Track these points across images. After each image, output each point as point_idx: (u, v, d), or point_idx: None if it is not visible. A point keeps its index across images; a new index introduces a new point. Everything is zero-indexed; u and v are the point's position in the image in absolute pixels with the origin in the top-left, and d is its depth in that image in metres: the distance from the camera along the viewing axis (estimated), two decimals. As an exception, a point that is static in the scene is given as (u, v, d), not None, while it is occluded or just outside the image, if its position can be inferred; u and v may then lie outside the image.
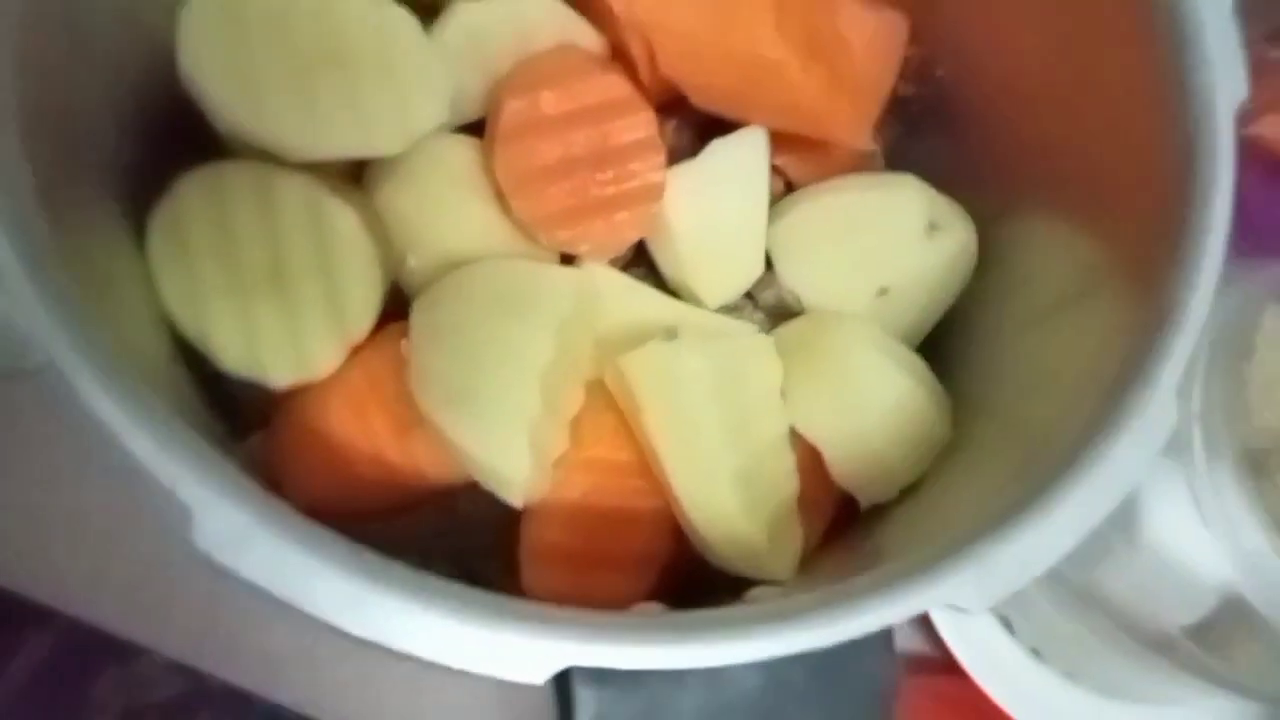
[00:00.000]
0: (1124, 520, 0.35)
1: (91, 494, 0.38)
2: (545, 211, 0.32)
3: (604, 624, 0.22)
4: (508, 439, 0.28)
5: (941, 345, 0.37)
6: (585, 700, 0.22)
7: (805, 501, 0.33)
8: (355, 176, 0.34)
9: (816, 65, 0.33)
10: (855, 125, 0.35)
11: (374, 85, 0.30)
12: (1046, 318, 0.33)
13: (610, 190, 0.33)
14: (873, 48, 0.36)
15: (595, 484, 0.32)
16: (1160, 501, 0.34)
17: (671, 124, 0.37)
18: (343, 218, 0.31)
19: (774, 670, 0.23)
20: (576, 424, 0.32)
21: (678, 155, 0.36)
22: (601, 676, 0.22)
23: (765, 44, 0.32)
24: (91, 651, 0.40)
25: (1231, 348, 0.35)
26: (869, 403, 0.32)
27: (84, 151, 0.29)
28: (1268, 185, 0.46)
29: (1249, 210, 0.45)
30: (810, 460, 0.33)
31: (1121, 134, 0.31)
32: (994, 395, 0.34)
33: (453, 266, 0.33)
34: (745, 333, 0.35)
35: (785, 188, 0.39)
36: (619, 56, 0.35)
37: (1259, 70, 0.41)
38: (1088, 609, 0.37)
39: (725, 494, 0.30)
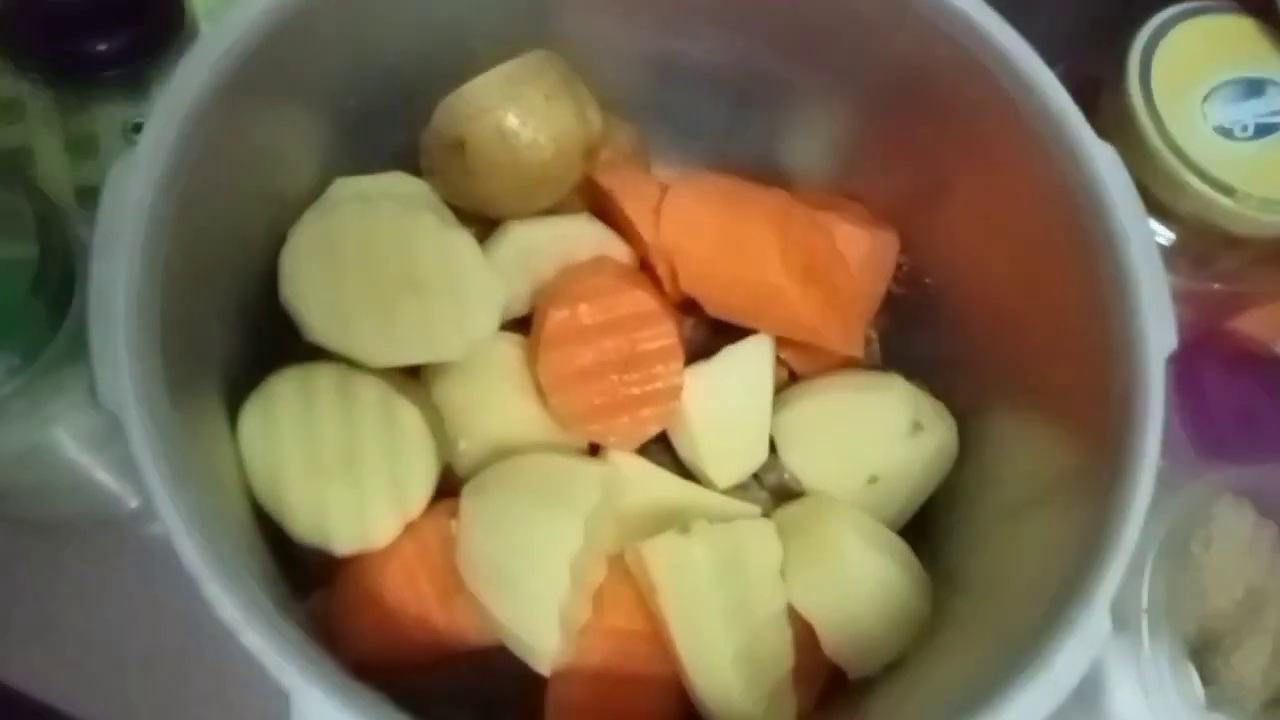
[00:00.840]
0: (1088, 693, 0.39)
1: (165, 638, 0.43)
2: (579, 409, 0.38)
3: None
4: (539, 617, 0.33)
5: (926, 527, 0.42)
6: None
7: (800, 672, 0.37)
8: (415, 370, 0.39)
9: (815, 288, 0.38)
10: (848, 337, 0.40)
11: (440, 303, 0.36)
12: (1013, 516, 0.37)
13: (636, 391, 0.38)
14: (866, 265, 0.42)
15: (614, 649, 0.36)
16: (1120, 680, 0.38)
17: (689, 322, 0.43)
18: (409, 415, 0.36)
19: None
20: (598, 595, 0.37)
21: (694, 348, 0.42)
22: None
23: (770, 272, 0.38)
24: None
25: (1179, 543, 0.39)
26: (857, 584, 0.37)
27: (198, 349, 0.34)
28: (1230, 378, 0.51)
29: (1211, 404, 0.50)
30: (805, 634, 0.38)
31: (1070, 359, 0.36)
32: (969, 578, 0.38)
33: (498, 450, 0.38)
34: (750, 516, 0.39)
35: (790, 376, 0.44)
36: (646, 269, 0.41)
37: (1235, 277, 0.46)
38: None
39: (727, 670, 0.34)
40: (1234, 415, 0.48)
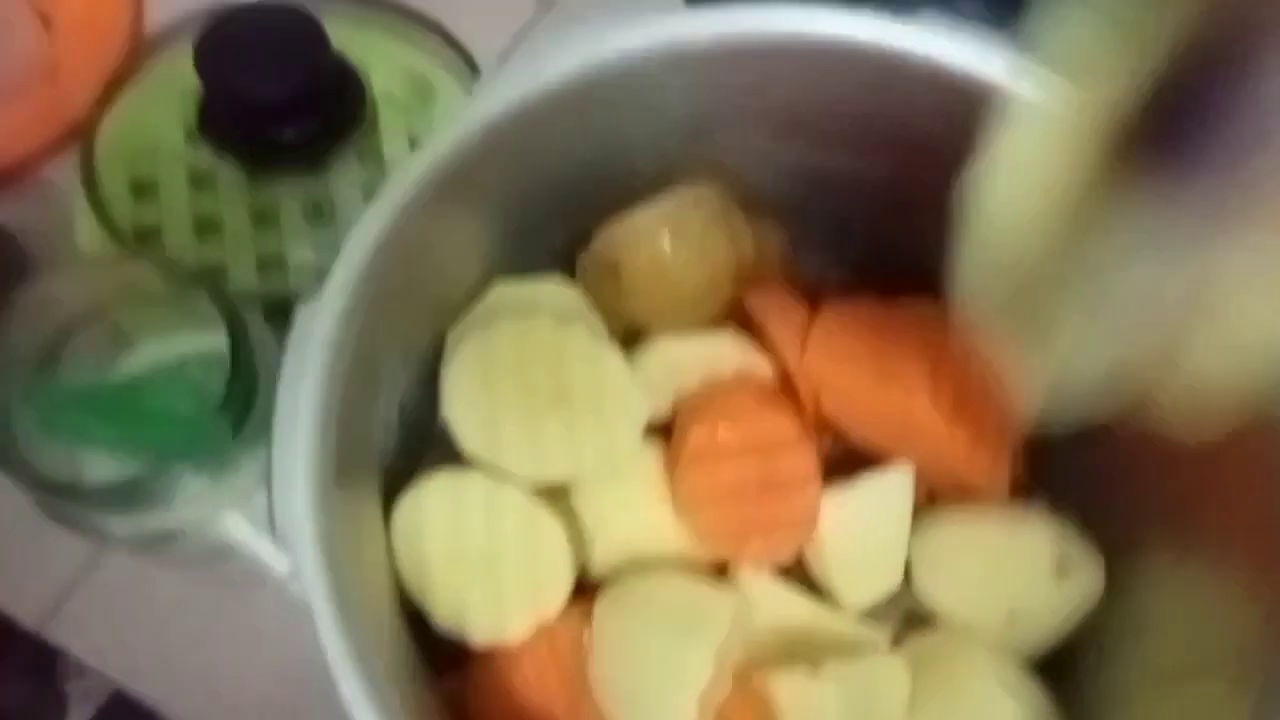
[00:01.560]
0: None
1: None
2: (716, 529, 0.38)
3: None
4: None
5: (1065, 669, 0.40)
6: None
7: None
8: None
9: (962, 428, 0.38)
10: (993, 478, 0.39)
11: (586, 419, 0.37)
12: (1171, 679, 0.36)
13: (772, 514, 0.38)
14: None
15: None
16: None
17: (829, 439, 0.43)
18: (550, 526, 0.37)
19: None
20: (720, 712, 0.37)
21: (833, 466, 0.42)
22: None
23: (918, 410, 0.37)
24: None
25: None
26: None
27: (361, 455, 0.37)
28: None
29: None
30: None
31: (1244, 493, 0.34)
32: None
33: (632, 557, 0.39)
34: (881, 648, 0.39)
35: (927, 496, 0.44)
36: (789, 388, 0.41)
37: None
38: None
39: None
40: None
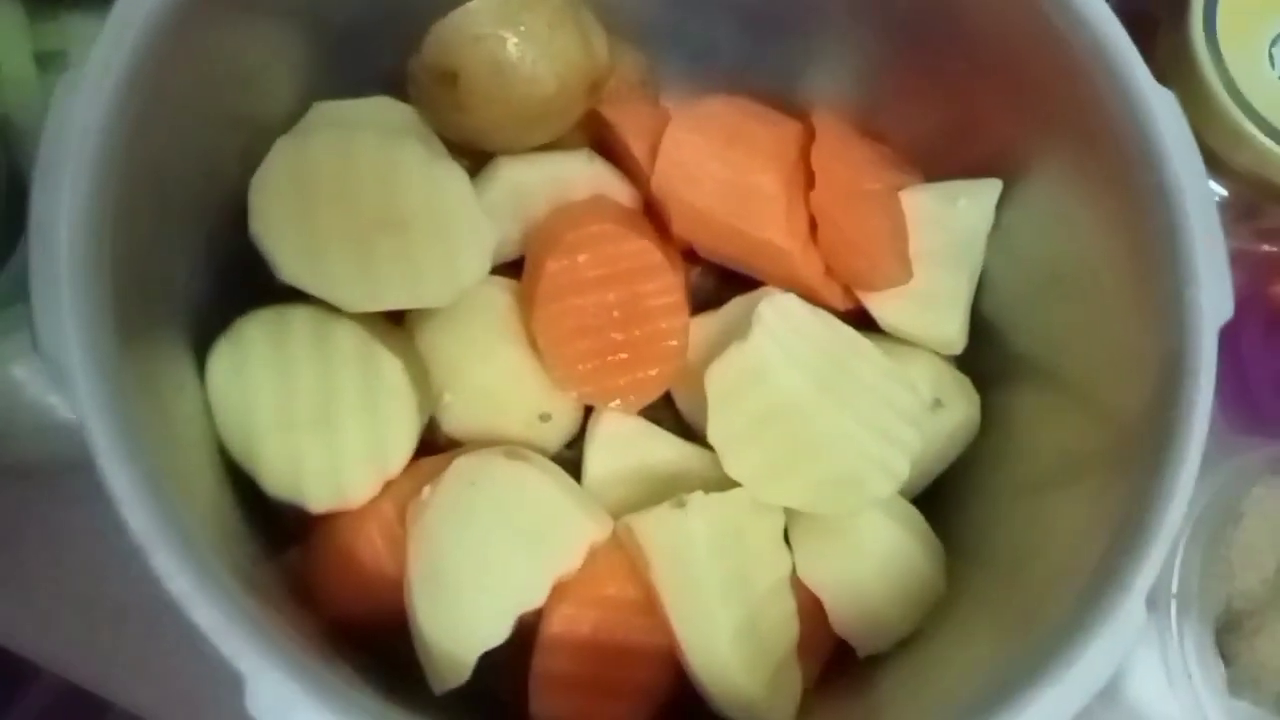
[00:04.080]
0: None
1: (138, 586, 0.41)
2: (578, 369, 0.35)
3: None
4: (456, 651, 0.32)
5: (943, 499, 0.39)
6: None
7: (805, 645, 0.35)
8: (398, 316, 0.36)
9: (817, 249, 0.35)
10: (845, 302, 0.37)
11: (425, 244, 0.33)
12: (1039, 491, 0.35)
13: (637, 350, 0.35)
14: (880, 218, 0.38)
15: (605, 619, 0.34)
16: (1142, 665, 0.35)
17: (696, 270, 0.40)
18: (390, 367, 0.33)
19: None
20: (591, 561, 0.34)
21: (701, 297, 0.39)
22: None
23: (772, 231, 0.35)
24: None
25: (1214, 524, 0.37)
26: (867, 554, 0.35)
27: (158, 288, 0.32)
28: (1269, 345, 0.47)
29: (1248, 373, 0.47)
30: (810, 605, 0.35)
31: (1110, 326, 0.33)
32: (989, 554, 0.36)
33: (486, 404, 0.36)
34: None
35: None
36: (651, 210, 0.38)
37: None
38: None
39: (725, 651, 0.32)
40: (1272, 384, 0.45)
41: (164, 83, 0.28)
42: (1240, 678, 0.40)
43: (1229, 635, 0.40)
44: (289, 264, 0.32)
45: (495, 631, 0.31)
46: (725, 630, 0.32)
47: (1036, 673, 0.27)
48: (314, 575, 0.35)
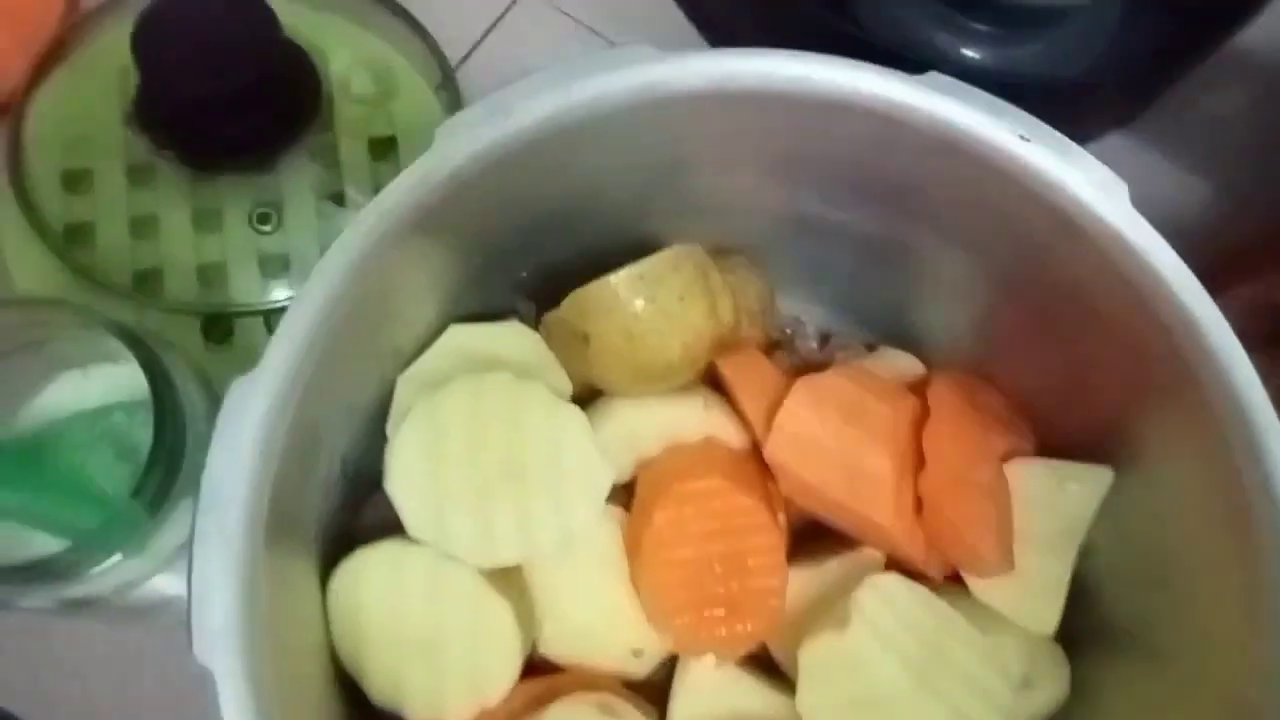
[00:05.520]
0: None
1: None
2: (674, 622, 0.36)
3: None
4: None
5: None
6: None
7: None
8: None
9: (919, 531, 0.36)
10: (943, 573, 0.37)
11: (541, 496, 0.34)
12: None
13: (735, 605, 0.36)
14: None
15: None
16: None
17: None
18: (499, 613, 0.35)
19: None
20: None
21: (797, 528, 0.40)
22: None
23: (880, 514, 0.35)
24: None
25: None
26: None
27: (299, 521, 0.34)
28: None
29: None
30: None
31: (1214, 630, 0.33)
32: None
33: (583, 637, 0.37)
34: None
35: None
36: (758, 457, 0.39)
37: None
38: None
39: None
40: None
41: (330, 349, 0.31)
42: None
43: None
44: (417, 522, 0.34)
45: None
46: None
47: None
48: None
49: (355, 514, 0.38)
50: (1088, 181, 0.33)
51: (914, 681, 0.34)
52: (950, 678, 0.34)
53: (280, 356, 0.29)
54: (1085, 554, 0.39)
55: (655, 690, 0.38)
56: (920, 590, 0.35)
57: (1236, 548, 0.32)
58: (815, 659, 0.34)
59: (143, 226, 0.48)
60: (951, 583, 0.38)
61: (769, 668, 0.38)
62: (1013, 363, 0.42)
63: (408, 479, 0.34)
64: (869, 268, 0.44)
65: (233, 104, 0.45)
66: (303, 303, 0.29)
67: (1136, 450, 0.38)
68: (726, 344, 0.38)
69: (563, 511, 0.35)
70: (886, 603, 0.34)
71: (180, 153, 0.48)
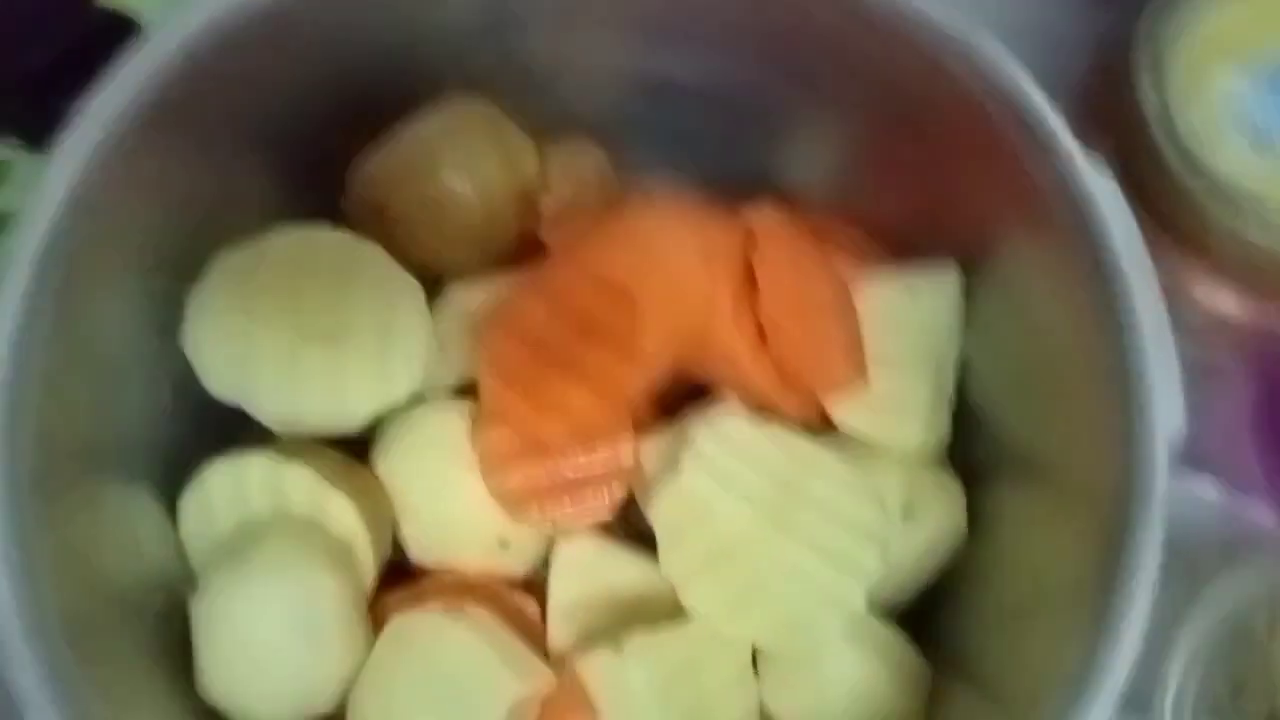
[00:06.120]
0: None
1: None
2: (516, 491, 0.34)
3: None
4: None
5: (936, 611, 0.37)
6: None
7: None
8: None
9: (766, 358, 0.34)
10: (806, 409, 0.35)
11: (361, 361, 0.33)
12: (1026, 613, 0.32)
13: (582, 474, 0.34)
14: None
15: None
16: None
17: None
18: (340, 507, 0.34)
19: None
20: (556, 694, 0.34)
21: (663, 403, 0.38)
22: None
23: (719, 331, 0.34)
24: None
25: (1229, 635, 0.33)
26: (832, 686, 0.33)
27: (116, 455, 0.33)
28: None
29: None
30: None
31: (1075, 431, 0.32)
32: (975, 675, 0.34)
33: (443, 532, 0.36)
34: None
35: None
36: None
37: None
38: None
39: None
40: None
41: (92, 234, 0.29)
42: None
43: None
44: (218, 377, 0.33)
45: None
46: (675, 773, 0.31)
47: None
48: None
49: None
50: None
51: (769, 523, 0.32)
52: (813, 515, 0.32)
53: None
54: (965, 379, 0.38)
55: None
56: (767, 427, 0.34)
57: (1100, 342, 0.30)
58: (662, 514, 0.33)
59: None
60: (824, 426, 0.37)
61: (650, 544, 0.37)
62: (879, 203, 0.40)
63: (210, 335, 0.33)
64: (732, 131, 0.42)
65: (55, 77, 0.45)
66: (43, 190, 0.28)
67: (1000, 264, 0.36)
68: (550, 212, 0.37)
69: (383, 382, 0.33)
70: (723, 441, 0.33)
71: (18, 130, 0.47)
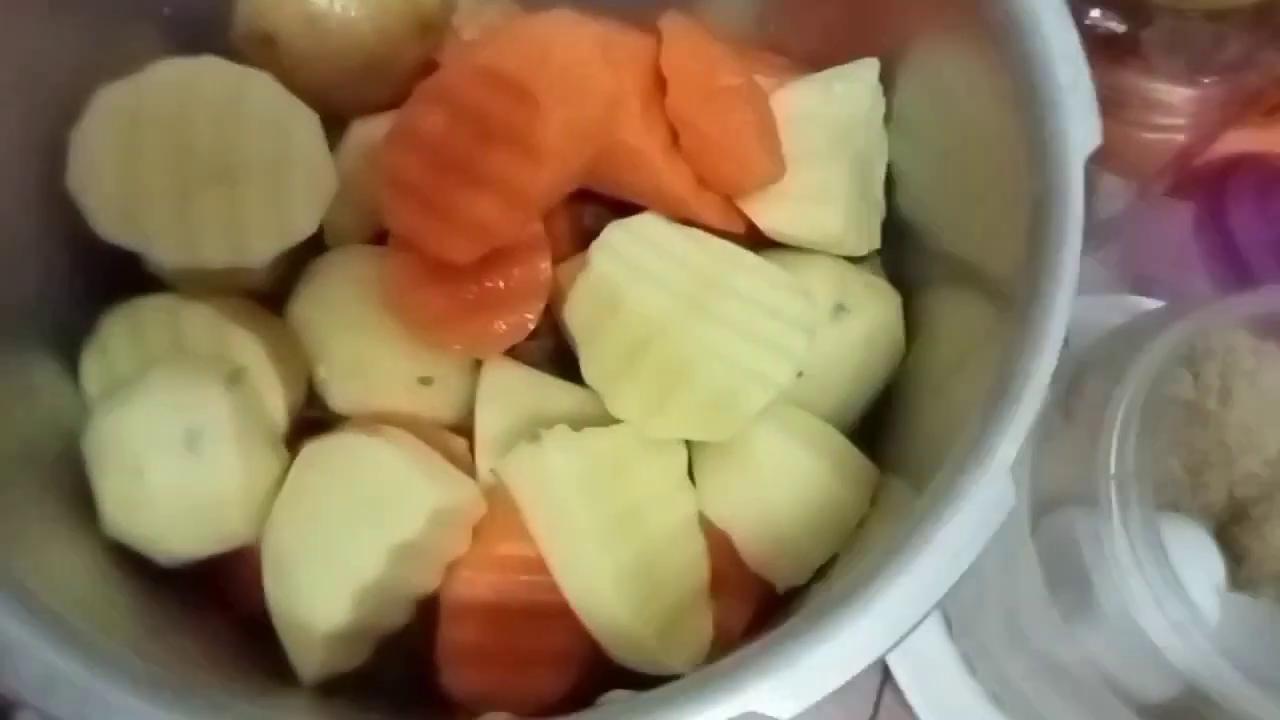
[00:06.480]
0: (1080, 588, 0.33)
1: None
2: (428, 316, 0.33)
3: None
4: (305, 634, 0.30)
5: (885, 423, 0.36)
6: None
7: (727, 587, 0.33)
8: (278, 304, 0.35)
9: (680, 163, 0.33)
10: (728, 218, 0.34)
11: (257, 194, 0.31)
12: (944, 383, 0.31)
13: (497, 294, 0.33)
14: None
15: (507, 581, 0.32)
16: (1103, 571, 0.31)
17: (590, 210, 0.38)
18: (243, 344, 0.32)
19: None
20: (487, 521, 0.32)
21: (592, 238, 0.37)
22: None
23: (628, 133, 0.32)
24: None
25: (1161, 392, 0.32)
26: (774, 484, 0.32)
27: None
28: (1261, 207, 0.43)
29: (1235, 234, 0.42)
30: (729, 544, 0.33)
31: (1000, 191, 0.30)
32: (905, 461, 0.32)
33: (360, 373, 0.34)
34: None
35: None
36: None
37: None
38: (1058, 680, 0.34)
39: (609, 594, 0.30)
40: (1267, 248, 0.40)
41: None
42: (1255, 574, 0.35)
43: (1235, 528, 0.35)
44: (106, 219, 0.31)
45: (337, 608, 0.29)
46: (606, 572, 0.29)
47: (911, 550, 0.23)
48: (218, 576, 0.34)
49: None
50: None
51: (687, 310, 0.31)
52: (735, 304, 0.31)
53: None
54: (895, 194, 0.37)
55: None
56: (686, 228, 0.33)
57: (1014, 126, 0.29)
58: (577, 313, 0.31)
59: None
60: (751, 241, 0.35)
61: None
62: (798, 25, 0.39)
63: (94, 175, 0.31)
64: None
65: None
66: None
67: (922, 65, 0.35)
68: (439, 29, 0.35)
69: (282, 217, 0.32)
70: (637, 238, 0.31)
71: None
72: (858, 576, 0.23)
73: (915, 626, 0.22)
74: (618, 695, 0.27)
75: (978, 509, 0.23)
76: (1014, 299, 0.26)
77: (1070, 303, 0.25)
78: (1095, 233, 0.29)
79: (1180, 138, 0.42)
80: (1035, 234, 0.26)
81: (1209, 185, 0.45)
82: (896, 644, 0.22)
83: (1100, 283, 0.46)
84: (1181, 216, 0.47)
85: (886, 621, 0.22)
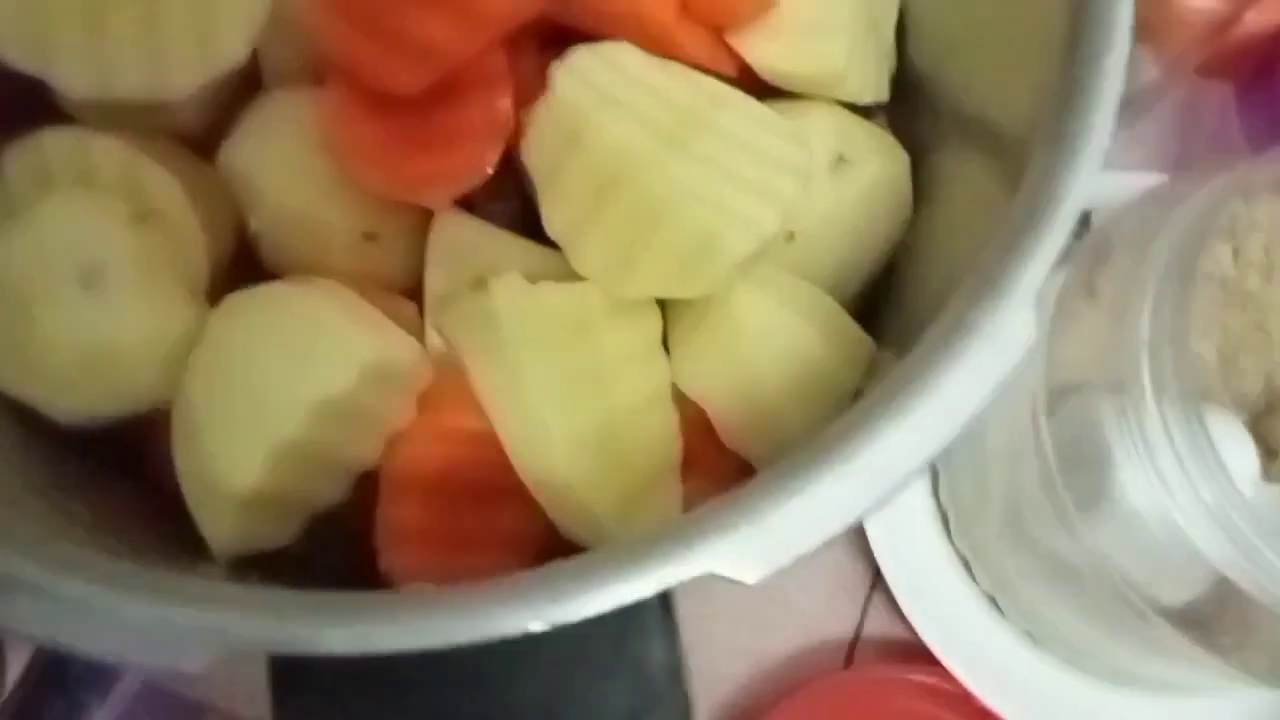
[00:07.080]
0: (1096, 476, 0.29)
1: None
2: (364, 155, 0.29)
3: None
4: (213, 498, 0.26)
5: (889, 297, 0.32)
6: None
7: (699, 466, 0.29)
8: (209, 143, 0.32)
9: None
10: (716, 57, 0.30)
11: (178, 16, 0.28)
12: (953, 250, 0.28)
13: (449, 131, 0.29)
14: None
15: (456, 456, 0.29)
16: (1129, 454, 0.28)
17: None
18: (159, 182, 0.29)
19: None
20: (435, 391, 0.29)
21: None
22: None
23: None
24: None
25: (1193, 254, 0.28)
26: (754, 350, 0.28)
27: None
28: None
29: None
30: (703, 420, 0.29)
31: (1024, 40, 0.26)
32: (906, 337, 0.29)
33: (295, 225, 0.30)
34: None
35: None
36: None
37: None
38: (1064, 582, 0.31)
39: (558, 461, 0.26)
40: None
41: None
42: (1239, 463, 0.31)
43: (1271, 419, 0.32)
44: (4, 40, 0.27)
45: (250, 468, 0.26)
46: (557, 438, 0.26)
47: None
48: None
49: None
50: None
51: (662, 144, 0.27)
52: (718, 142, 0.27)
53: None
54: (908, 44, 0.33)
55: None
56: (666, 61, 0.29)
57: None
58: (536, 153, 0.28)
59: None
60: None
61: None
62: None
63: None
64: None
65: None
66: None
67: None
68: None
69: (206, 38, 0.28)
70: (608, 65, 0.28)
71: None
72: (842, 425, 0.19)
73: (905, 483, 0.19)
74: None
75: (990, 347, 0.19)
76: (1040, 144, 0.22)
77: (1101, 148, 0.21)
78: (1122, 107, 0.25)
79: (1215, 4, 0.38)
80: (1069, 78, 0.22)
81: (1257, 58, 0.41)
82: (882, 502, 0.18)
83: (1131, 163, 0.42)
84: (1219, 94, 0.43)
85: (870, 474, 0.19)
